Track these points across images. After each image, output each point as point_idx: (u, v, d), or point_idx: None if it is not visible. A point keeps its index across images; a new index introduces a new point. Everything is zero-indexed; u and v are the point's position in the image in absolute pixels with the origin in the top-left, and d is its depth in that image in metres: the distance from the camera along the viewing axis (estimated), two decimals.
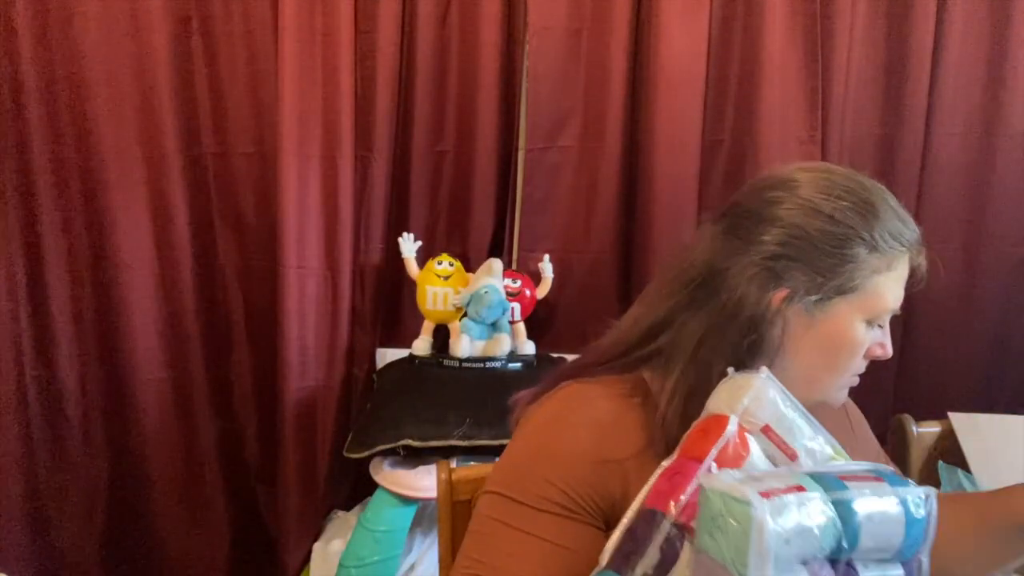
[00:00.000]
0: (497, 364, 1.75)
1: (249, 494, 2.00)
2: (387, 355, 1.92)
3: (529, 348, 1.82)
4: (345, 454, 1.65)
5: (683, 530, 0.66)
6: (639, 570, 0.67)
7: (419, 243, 1.84)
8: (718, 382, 0.77)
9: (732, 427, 0.70)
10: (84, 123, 1.76)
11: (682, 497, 0.67)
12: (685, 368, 0.81)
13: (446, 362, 1.76)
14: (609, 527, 0.78)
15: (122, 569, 1.93)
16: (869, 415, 1.06)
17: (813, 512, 0.61)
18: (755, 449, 0.71)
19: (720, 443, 0.70)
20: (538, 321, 1.89)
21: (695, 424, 0.74)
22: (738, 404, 0.72)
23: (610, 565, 0.69)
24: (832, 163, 1.83)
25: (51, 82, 1.74)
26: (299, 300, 1.82)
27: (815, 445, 0.72)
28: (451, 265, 1.79)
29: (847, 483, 0.64)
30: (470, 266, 1.85)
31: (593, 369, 0.87)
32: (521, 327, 1.82)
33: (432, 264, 1.79)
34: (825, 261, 0.79)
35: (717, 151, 1.86)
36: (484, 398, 1.63)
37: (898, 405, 1.89)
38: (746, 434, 0.71)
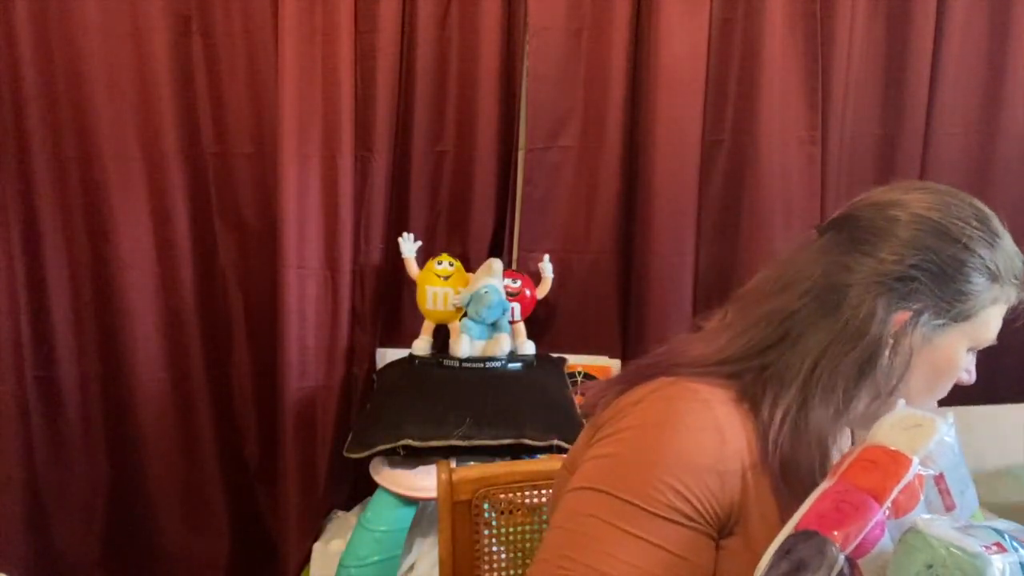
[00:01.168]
0: (497, 364, 1.74)
1: (249, 494, 2.00)
2: (387, 355, 1.92)
3: (529, 348, 1.81)
4: (345, 454, 1.65)
5: (852, 565, 0.64)
6: None
7: (419, 243, 1.84)
8: (844, 406, 0.77)
9: (914, 470, 0.67)
10: (84, 123, 1.76)
11: (859, 534, 0.64)
12: (802, 387, 0.78)
13: (446, 362, 1.76)
14: (721, 536, 0.76)
15: (122, 569, 1.93)
16: None
17: (1015, 573, 0.61)
18: (922, 496, 0.69)
19: (902, 484, 0.67)
20: (538, 321, 1.89)
21: (857, 450, 0.70)
22: (921, 446, 0.69)
23: None
24: (832, 163, 1.85)
25: (51, 82, 1.74)
26: (299, 300, 1.82)
27: (970, 497, 0.72)
28: (451, 265, 1.79)
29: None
30: (470, 266, 1.85)
31: (688, 370, 0.82)
32: (521, 327, 1.82)
33: (432, 264, 1.79)
34: (952, 287, 0.79)
35: (717, 151, 1.86)
36: (484, 398, 1.63)
37: None
38: (922, 479, 0.68)
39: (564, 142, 1.83)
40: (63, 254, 1.81)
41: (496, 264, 1.76)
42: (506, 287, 1.76)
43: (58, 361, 1.83)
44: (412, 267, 1.83)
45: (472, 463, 1.36)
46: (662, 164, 1.80)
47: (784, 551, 0.65)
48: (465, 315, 1.77)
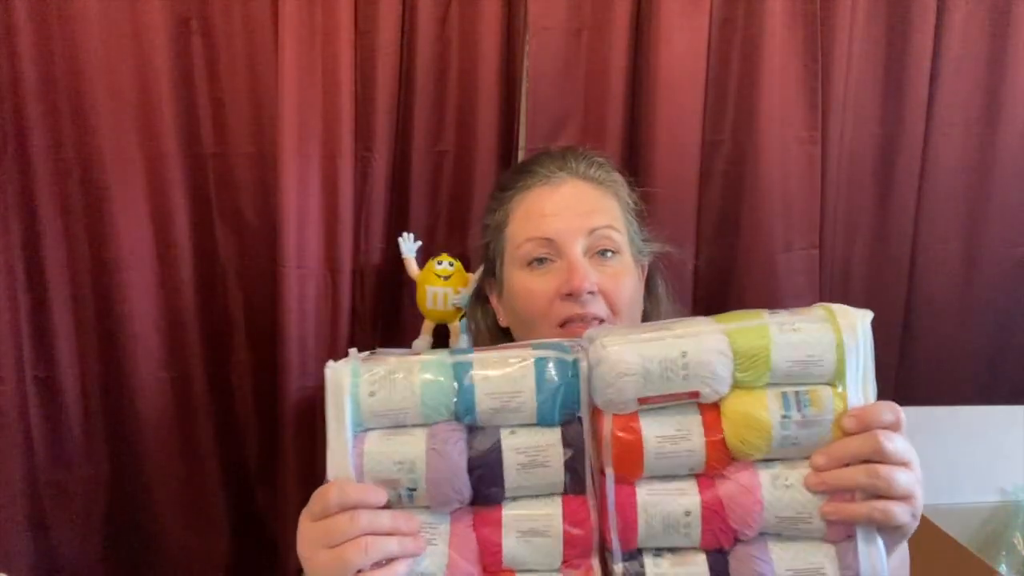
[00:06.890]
0: None
1: (249, 494, 2.00)
2: None
3: None
4: None
5: None
6: None
7: (419, 243, 1.84)
8: None
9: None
10: (84, 123, 1.76)
11: None
12: None
13: None
14: None
15: (122, 569, 1.93)
16: None
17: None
18: None
19: None
20: None
21: None
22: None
23: None
24: (832, 163, 1.85)
25: (51, 82, 1.74)
26: (299, 300, 1.82)
27: None
28: (451, 265, 1.79)
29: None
30: (470, 266, 1.85)
31: None
32: None
33: (432, 264, 1.79)
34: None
35: (717, 151, 1.86)
36: None
37: (900, 398, 1.89)
38: None
39: (564, 142, 1.83)
40: (63, 254, 1.81)
41: None
42: None
43: (58, 361, 1.83)
44: (412, 267, 1.83)
45: None
46: (662, 164, 1.80)
47: None
48: (465, 315, 1.77)
